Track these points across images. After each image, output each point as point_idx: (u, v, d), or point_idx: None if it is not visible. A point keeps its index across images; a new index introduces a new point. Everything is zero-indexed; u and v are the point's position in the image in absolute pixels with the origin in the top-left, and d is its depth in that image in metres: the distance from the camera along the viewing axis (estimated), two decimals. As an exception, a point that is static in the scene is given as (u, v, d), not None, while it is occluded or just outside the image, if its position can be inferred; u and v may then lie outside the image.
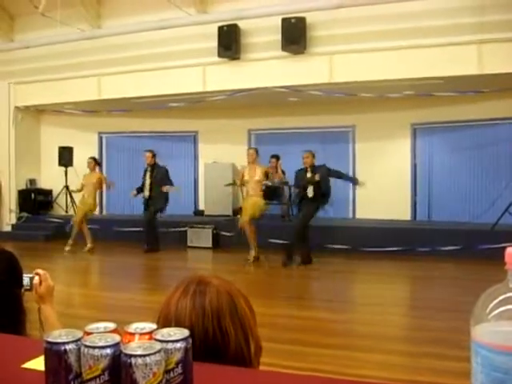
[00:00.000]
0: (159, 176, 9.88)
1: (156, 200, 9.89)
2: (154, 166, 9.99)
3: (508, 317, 0.68)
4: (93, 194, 10.21)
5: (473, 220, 10.15)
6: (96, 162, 10.44)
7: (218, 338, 1.10)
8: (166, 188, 9.77)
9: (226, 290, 1.17)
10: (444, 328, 4.95)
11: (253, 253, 8.84)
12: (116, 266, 9.12)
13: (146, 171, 10.10)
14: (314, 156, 8.60)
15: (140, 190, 10.16)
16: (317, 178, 8.33)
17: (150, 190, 9.91)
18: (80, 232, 10.07)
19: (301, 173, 8.66)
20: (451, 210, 10.75)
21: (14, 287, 1.91)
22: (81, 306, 6.16)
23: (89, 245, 10.00)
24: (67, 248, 9.90)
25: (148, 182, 9.96)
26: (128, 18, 10.58)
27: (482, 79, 8.74)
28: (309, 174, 8.49)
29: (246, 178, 8.93)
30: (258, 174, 8.86)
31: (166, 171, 10.00)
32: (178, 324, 1.05)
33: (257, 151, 9.08)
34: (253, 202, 8.83)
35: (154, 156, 10.04)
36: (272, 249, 9.39)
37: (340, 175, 8.85)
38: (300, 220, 8.60)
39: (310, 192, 8.46)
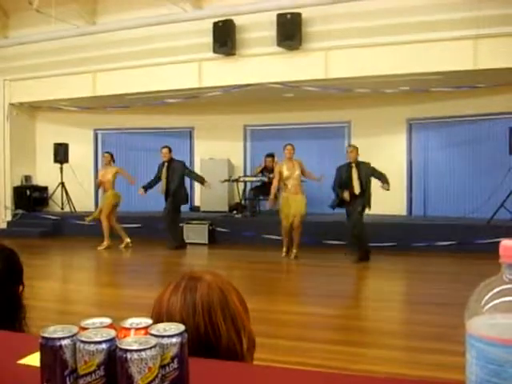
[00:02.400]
0: (177, 171, 9.71)
1: (175, 196, 9.69)
2: (170, 162, 9.78)
3: (503, 309, 0.68)
4: (111, 189, 9.94)
5: (468, 215, 10.17)
6: (112, 157, 10.19)
7: (210, 334, 1.10)
8: (206, 184, 9.75)
9: (218, 285, 1.17)
10: (442, 323, 4.96)
11: (294, 251, 8.69)
12: (111, 263, 9.12)
13: (161, 167, 9.86)
14: (357, 151, 8.41)
15: (149, 186, 9.95)
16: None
17: (167, 185, 9.71)
18: (111, 228, 9.91)
19: (344, 168, 8.45)
20: (447, 205, 10.77)
21: (14, 285, 1.91)
22: (77, 303, 6.16)
23: (126, 240, 9.91)
24: (101, 247, 9.79)
25: (165, 177, 9.75)
26: (123, 14, 10.56)
27: (478, 74, 8.74)
28: (354, 170, 8.30)
29: (287, 174, 8.65)
30: (298, 168, 8.66)
31: (184, 165, 9.91)
32: (170, 320, 1.05)
33: (293, 147, 8.80)
34: (297, 200, 8.61)
35: (170, 151, 9.84)
36: (265, 244, 9.41)
37: (381, 177, 8.40)
38: (354, 221, 8.35)
39: (357, 188, 8.28)
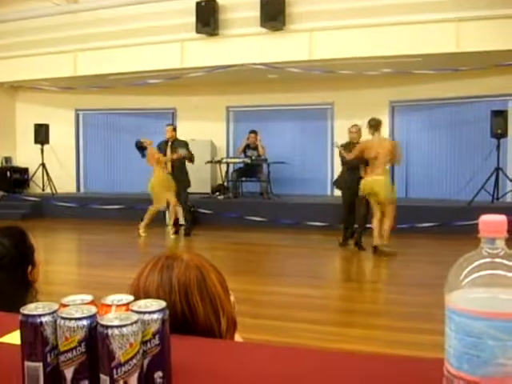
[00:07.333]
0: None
1: (180, 177, 9.15)
2: (174, 141, 9.26)
3: (481, 283, 0.69)
4: (156, 171, 9.14)
5: (449, 197, 10.26)
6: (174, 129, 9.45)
7: (186, 313, 1.10)
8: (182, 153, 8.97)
9: (196, 264, 1.16)
10: (420, 303, 5.03)
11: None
12: (95, 244, 9.07)
13: (162, 146, 9.28)
14: None
15: None
16: None
17: (172, 166, 9.19)
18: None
19: None
20: (428, 187, 10.85)
21: (21, 264, 1.92)
22: (60, 284, 6.13)
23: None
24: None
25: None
26: (104, -7, 10.39)
27: (460, 57, 8.77)
28: None
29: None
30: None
31: (186, 144, 9.28)
32: (147, 298, 1.05)
33: None
34: None
35: (174, 130, 9.37)
36: (248, 226, 9.41)
37: None
38: None
39: None
